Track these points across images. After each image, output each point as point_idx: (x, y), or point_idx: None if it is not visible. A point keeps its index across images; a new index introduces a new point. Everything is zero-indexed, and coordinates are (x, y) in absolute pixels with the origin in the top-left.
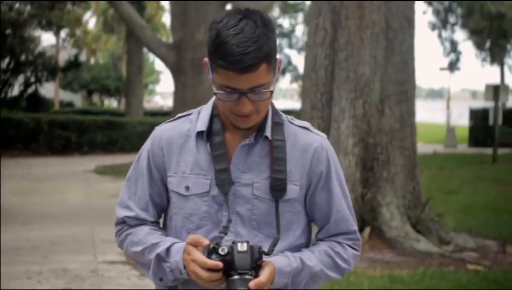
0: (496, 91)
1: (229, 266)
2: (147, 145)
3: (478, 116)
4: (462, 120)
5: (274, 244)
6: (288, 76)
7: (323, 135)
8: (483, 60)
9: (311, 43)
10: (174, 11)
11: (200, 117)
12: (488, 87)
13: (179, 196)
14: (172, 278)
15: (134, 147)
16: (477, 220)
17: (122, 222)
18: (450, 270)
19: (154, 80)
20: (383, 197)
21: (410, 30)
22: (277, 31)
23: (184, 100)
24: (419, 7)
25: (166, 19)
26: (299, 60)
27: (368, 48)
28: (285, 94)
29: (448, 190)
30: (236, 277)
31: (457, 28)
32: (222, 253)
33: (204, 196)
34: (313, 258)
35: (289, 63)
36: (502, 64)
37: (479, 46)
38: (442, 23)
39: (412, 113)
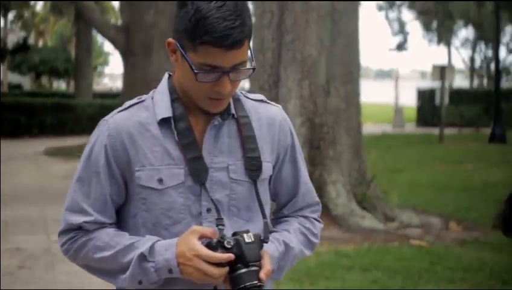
0: (442, 71)
1: (236, 259)
2: (99, 139)
3: (425, 97)
4: (410, 100)
5: (267, 230)
6: None
7: (279, 105)
8: (431, 40)
9: (258, 25)
10: None
11: (156, 102)
12: (435, 67)
13: (151, 191)
14: (156, 279)
15: (84, 129)
16: (422, 198)
17: (77, 229)
18: (394, 246)
19: (103, 61)
20: (329, 175)
21: (355, 12)
22: None
23: (133, 82)
24: None
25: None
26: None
27: (314, 30)
28: None
29: (394, 169)
30: (243, 270)
31: (404, 9)
32: (228, 246)
33: (180, 187)
34: (292, 238)
35: None
36: (448, 45)
37: (426, 26)
38: (389, 4)
39: (357, 93)
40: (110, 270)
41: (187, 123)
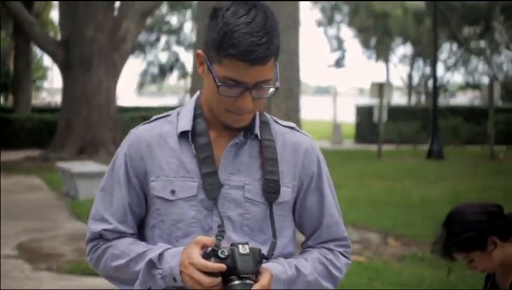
0: (380, 88)
1: (229, 270)
2: (122, 149)
3: (364, 113)
4: (349, 117)
5: (273, 249)
6: (176, 73)
7: (310, 135)
8: (369, 57)
9: (200, 41)
10: (62, 7)
11: (180, 117)
12: (373, 84)
13: (163, 201)
14: (164, 286)
15: (23, 143)
16: (361, 214)
17: (98, 237)
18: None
19: (42, 76)
20: None
21: (295, 29)
22: (165, 28)
23: (73, 96)
24: (306, 5)
25: (54, 15)
26: (186, 57)
27: None
28: (173, 90)
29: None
30: (237, 281)
31: (343, 26)
32: (222, 256)
33: (192, 200)
34: (307, 265)
35: (177, 60)
36: (387, 62)
37: (365, 43)
38: (328, 20)
39: (297, 110)
40: (126, 279)
41: (207, 138)
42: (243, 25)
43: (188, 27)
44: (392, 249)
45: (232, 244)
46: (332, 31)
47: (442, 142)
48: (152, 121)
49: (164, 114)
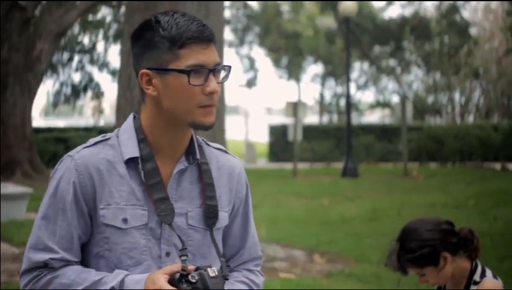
0: (295, 108)
1: None
2: (65, 176)
3: (277, 132)
4: (261, 136)
5: (225, 268)
6: (89, 93)
7: (237, 157)
8: (281, 77)
9: (125, 63)
10: None
11: (122, 142)
12: (288, 104)
13: (114, 230)
14: None
15: None
16: (284, 232)
17: (42, 266)
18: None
19: None
20: None
21: (220, 50)
22: (77, 48)
23: None
24: None
25: None
26: (99, 77)
27: None
28: (85, 111)
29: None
30: None
31: (255, 46)
32: (193, 280)
33: (143, 228)
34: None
35: (91, 80)
36: (298, 81)
37: (277, 63)
38: (240, 40)
39: (222, 130)
40: None
41: (154, 163)
42: (180, 18)
43: (101, 47)
44: (319, 265)
45: (197, 268)
46: (243, 51)
47: (356, 160)
48: (92, 145)
49: (102, 138)
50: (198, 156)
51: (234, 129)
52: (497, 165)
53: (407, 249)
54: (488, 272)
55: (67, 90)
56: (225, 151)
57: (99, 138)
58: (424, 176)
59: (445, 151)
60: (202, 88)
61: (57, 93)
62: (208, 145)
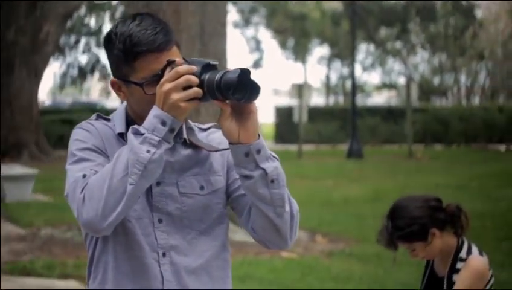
0: (300, 89)
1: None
2: (83, 129)
3: (283, 114)
4: (266, 117)
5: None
6: (97, 74)
7: None
8: (287, 58)
9: None
10: None
11: (115, 121)
12: (293, 85)
13: None
14: (157, 139)
15: None
16: None
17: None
18: (266, 258)
19: None
20: None
21: (223, 33)
22: (84, 30)
23: None
24: None
25: None
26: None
27: (184, 51)
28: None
29: None
30: (209, 73)
31: (261, 28)
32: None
33: None
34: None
35: (97, 61)
36: (304, 63)
37: (283, 45)
38: (245, 22)
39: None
40: (123, 178)
41: None
42: (134, 27)
43: (107, 29)
44: (321, 245)
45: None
46: (249, 32)
47: (361, 142)
48: (95, 119)
49: (105, 116)
50: (185, 135)
51: None
52: (502, 147)
53: (397, 226)
54: (474, 249)
55: (74, 72)
56: (216, 127)
57: (94, 116)
58: (429, 157)
59: (450, 133)
60: None
61: (64, 75)
62: (199, 128)
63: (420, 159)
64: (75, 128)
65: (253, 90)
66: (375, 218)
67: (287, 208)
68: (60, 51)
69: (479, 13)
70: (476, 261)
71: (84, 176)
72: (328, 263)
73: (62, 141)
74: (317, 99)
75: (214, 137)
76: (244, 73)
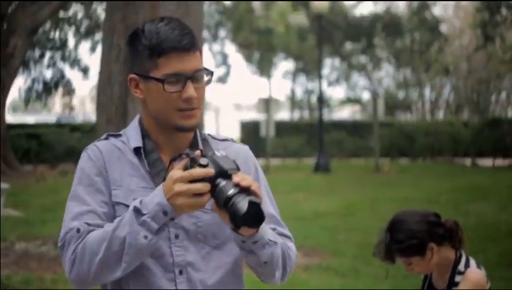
0: (267, 104)
1: (215, 174)
2: (85, 165)
3: (249, 129)
4: (230, 132)
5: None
6: (60, 89)
7: (246, 145)
8: (254, 73)
9: (106, 59)
10: None
11: (130, 137)
12: (260, 100)
13: (126, 208)
14: (156, 227)
15: None
16: None
17: (76, 231)
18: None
19: None
20: None
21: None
22: (49, 44)
23: None
24: None
25: None
26: (71, 74)
27: None
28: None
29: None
30: (223, 182)
31: (227, 42)
32: (204, 163)
33: None
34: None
35: (62, 76)
36: (269, 77)
37: (248, 59)
38: (212, 36)
39: (201, 127)
40: (113, 254)
41: (157, 154)
42: (162, 26)
43: (71, 43)
44: (296, 260)
45: (203, 155)
46: (216, 47)
47: (328, 156)
48: (104, 138)
49: (116, 132)
50: (201, 147)
51: (205, 126)
52: (467, 161)
53: (396, 239)
54: (472, 262)
55: (39, 87)
56: (232, 140)
57: (112, 132)
58: (396, 171)
59: (416, 147)
60: (179, 94)
61: (29, 90)
62: (214, 138)
63: (387, 173)
64: (84, 151)
65: (257, 221)
66: (348, 231)
67: (278, 274)
68: (25, 65)
69: (444, 28)
70: (474, 274)
71: (78, 230)
72: (306, 278)
73: (29, 156)
74: (282, 114)
75: (230, 151)
76: (253, 205)
